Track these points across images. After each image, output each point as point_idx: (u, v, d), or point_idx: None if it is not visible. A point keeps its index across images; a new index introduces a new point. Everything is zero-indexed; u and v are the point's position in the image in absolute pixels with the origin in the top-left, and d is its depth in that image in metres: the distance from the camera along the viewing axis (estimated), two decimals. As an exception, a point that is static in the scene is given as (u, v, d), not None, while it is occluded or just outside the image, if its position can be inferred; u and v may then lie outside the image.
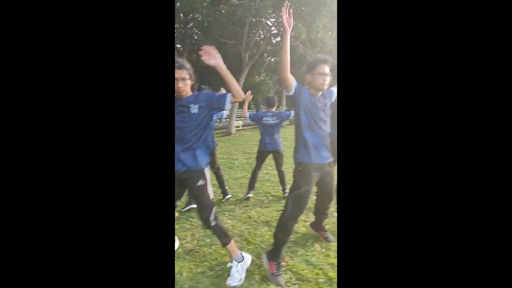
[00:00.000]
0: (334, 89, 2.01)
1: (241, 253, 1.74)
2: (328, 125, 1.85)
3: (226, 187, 3.22)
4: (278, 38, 13.17)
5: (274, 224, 2.53)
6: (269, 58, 12.37)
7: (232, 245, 1.71)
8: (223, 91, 2.97)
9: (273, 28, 11.62)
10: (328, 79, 1.74)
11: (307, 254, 2.01)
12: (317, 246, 2.13)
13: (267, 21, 11.03)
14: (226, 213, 2.80)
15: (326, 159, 1.81)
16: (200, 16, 10.56)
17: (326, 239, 2.18)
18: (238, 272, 1.67)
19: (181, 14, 10.73)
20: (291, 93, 1.68)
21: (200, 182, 1.61)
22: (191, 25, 12.03)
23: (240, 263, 1.69)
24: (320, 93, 1.80)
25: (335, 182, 1.97)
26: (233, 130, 11.64)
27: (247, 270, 1.78)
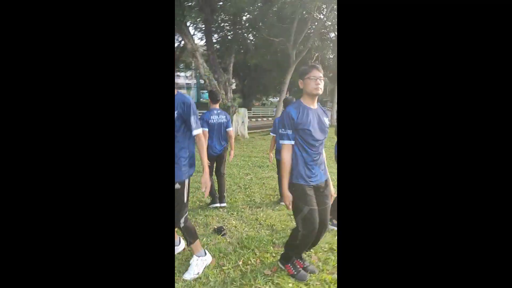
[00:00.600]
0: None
1: (204, 250, 1.82)
2: (323, 142, 1.67)
3: (225, 195, 3.09)
4: (333, 34, 12.55)
5: (278, 228, 2.41)
6: (316, 54, 11.83)
7: (197, 244, 1.78)
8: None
9: (325, 20, 11.07)
10: (321, 83, 1.59)
11: (300, 265, 1.83)
12: (314, 258, 1.93)
13: (319, 15, 10.55)
14: (234, 213, 2.74)
15: (323, 176, 1.66)
16: (249, 15, 10.67)
17: (305, 270, 1.77)
18: (197, 266, 1.73)
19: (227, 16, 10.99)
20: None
21: (176, 186, 1.60)
22: (247, 24, 12.24)
23: (200, 258, 1.76)
24: (315, 100, 1.65)
25: (330, 203, 1.74)
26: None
27: (229, 276, 1.71)
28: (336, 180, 3.05)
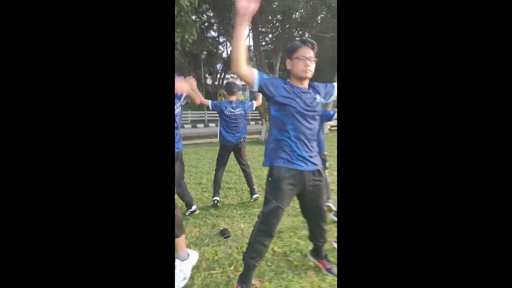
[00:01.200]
0: (333, 85, 1.60)
1: (187, 251, 1.70)
2: (316, 125, 1.50)
3: (254, 187, 3.09)
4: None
5: (285, 235, 2.29)
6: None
7: (182, 240, 1.67)
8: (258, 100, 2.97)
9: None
10: (311, 65, 1.41)
11: (292, 279, 1.70)
12: (311, 272, 1.77)
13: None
14: (246, 215, 2.70)
15: (310, 165, 1.46)
16: (298, 14, 10.46)
17: (329, 271, 1.74)
18: (182, 271, 1.61)
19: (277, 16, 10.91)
20: (255, 89, 1.42)
21: None
22: (298, 21, 12.04)
23: (184, 261, 1.64)
24: (306, 83, 1.48)
25: (326, 196, 1.57)
26: (326, 129, 11.06)
27: (215, 280, 1.68)
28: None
